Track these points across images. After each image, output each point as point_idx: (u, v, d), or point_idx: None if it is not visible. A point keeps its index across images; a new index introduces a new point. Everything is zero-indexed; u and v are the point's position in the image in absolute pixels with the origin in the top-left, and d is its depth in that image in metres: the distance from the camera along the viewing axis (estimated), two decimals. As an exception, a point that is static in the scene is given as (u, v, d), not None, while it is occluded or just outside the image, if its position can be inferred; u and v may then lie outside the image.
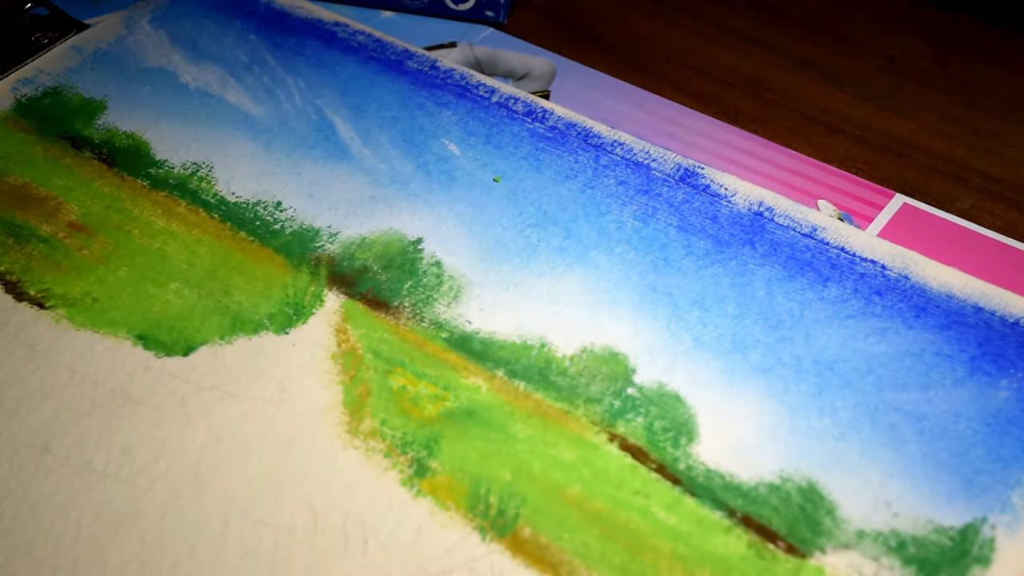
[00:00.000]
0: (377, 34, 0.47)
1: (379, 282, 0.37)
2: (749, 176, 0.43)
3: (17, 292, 0.36)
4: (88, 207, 0.40)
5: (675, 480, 0.32)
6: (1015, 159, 0.45)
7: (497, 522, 0.31)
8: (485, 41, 0.49)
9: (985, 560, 0.30)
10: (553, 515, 0.31)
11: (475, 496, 0.31)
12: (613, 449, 0.33)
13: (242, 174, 0.41)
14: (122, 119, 0.43)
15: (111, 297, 0.36)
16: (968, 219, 0.42)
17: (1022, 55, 0.51)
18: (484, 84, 0.45)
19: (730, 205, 0.40)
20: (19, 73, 0.45)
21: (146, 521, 0.30)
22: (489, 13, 0.50)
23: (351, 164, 0.41)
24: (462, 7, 0.50)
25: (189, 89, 0.44)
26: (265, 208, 0.40)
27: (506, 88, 0.45)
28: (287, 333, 0.35)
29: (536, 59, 0.48)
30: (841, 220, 0.41)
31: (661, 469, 0.32)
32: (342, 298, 0.37)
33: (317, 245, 0.38)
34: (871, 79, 0.49)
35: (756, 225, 0.40)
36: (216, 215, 0.39)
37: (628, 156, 0.42)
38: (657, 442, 0.33)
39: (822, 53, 0.50)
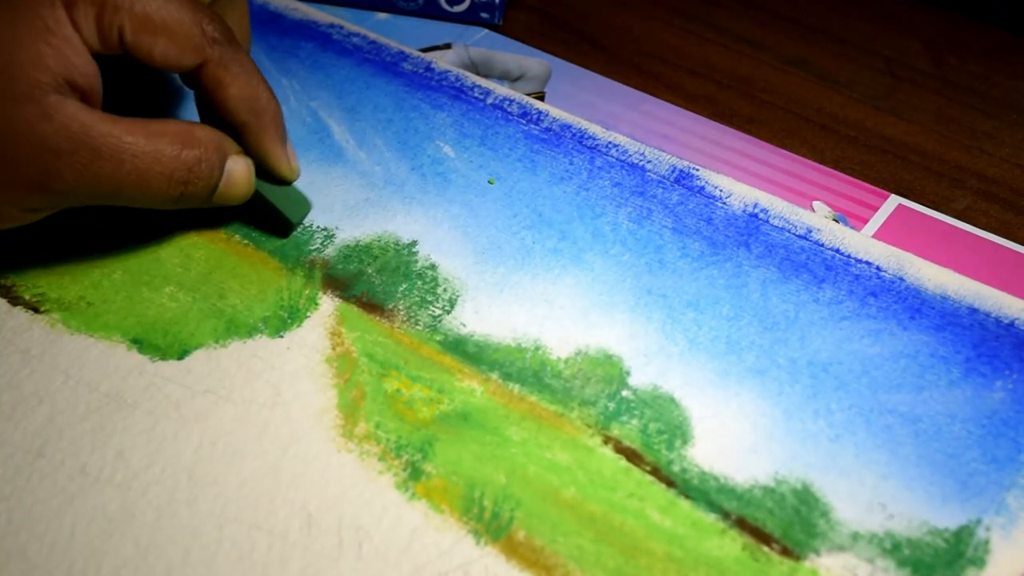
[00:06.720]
0: (372, 36, 0.47)
1: (374, 285, 0.37)
2: (744, 177, 0.43)
3: (12, 297, 0.36)
4: (83, 210, 0.39)
5: (670, 483, 0.32)
6: (1010, 160, 0.45)
7: (491, 525, 0.31)
8: (480, 42, 0.49)
9: (980, 562, 0.30)
10: (548, 518, 0.31)
11: (469, 499, 0.31)
12: (608, 452, 0.33)
13: (237, 177, 0.41)
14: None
15: (105, 301, 0.36)
16: (963, 220, 0.42)
17: (1017, 56, 0.51)
18: (479, 86, 0.45)
19: (725, 207, 0.40)
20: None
21: (140, 525, 0.30)
22: (484, 15, 0.50)
23: (346, 166, 0.41)
24: (457, 9, 0.50)
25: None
26: (260, 211, 0.40)
27: (501, 90, 0.45)
28: (282, 336, 0.35)
29: (531, 60, 0.48)
30: (836, 221, 0.41)
31: (656, 472, 0.32)
32: (337, 301, 0.37)
33: (312, 248, 0.38)
34: (866, 80, 0.49)
35: (751, 227, 0.40)
36: (211, 218, 0.39)
37: (623, 158, 0.42)
38: (652, 444, 0.33)
39: (817, 54, 0.50)
